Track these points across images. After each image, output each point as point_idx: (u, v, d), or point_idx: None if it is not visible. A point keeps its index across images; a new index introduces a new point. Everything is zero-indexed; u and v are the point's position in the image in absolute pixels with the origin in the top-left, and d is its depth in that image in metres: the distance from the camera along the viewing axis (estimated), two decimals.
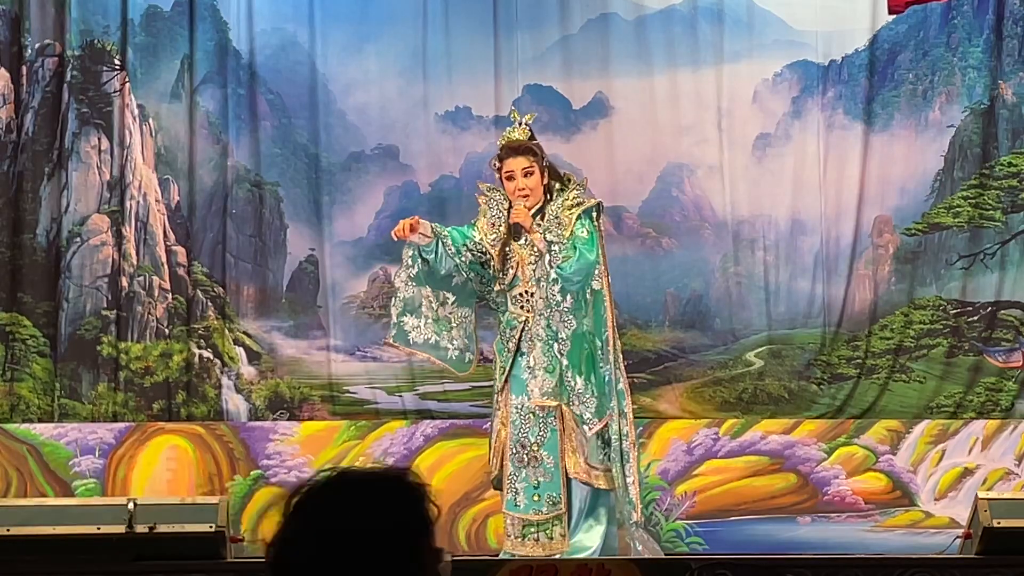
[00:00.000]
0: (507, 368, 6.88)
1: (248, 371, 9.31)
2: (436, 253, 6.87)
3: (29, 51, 9.34)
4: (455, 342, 7.03)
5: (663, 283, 9.45)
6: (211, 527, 6.16)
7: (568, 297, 6.77)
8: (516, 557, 6.74)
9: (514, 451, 6.82)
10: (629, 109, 9.47)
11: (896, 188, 9.46)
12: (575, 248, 6.80)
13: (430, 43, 9.46)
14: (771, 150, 9.49)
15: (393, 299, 7.12)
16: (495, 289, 6.99)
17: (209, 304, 9.33)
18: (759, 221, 9.44)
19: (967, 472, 9.04)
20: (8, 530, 6.10)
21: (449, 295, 7.00)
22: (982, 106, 9.45)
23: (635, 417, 9.10)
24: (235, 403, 9.27)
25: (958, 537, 6.82)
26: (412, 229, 6.83)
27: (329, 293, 9.38)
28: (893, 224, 9.45)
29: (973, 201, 9.40)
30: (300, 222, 9.42)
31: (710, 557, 7.29)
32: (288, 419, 9.18)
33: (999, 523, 6.33)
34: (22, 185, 9.31)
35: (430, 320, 7.01)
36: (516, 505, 6.82)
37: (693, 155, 9.48)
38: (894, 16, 9.19)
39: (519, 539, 6.79)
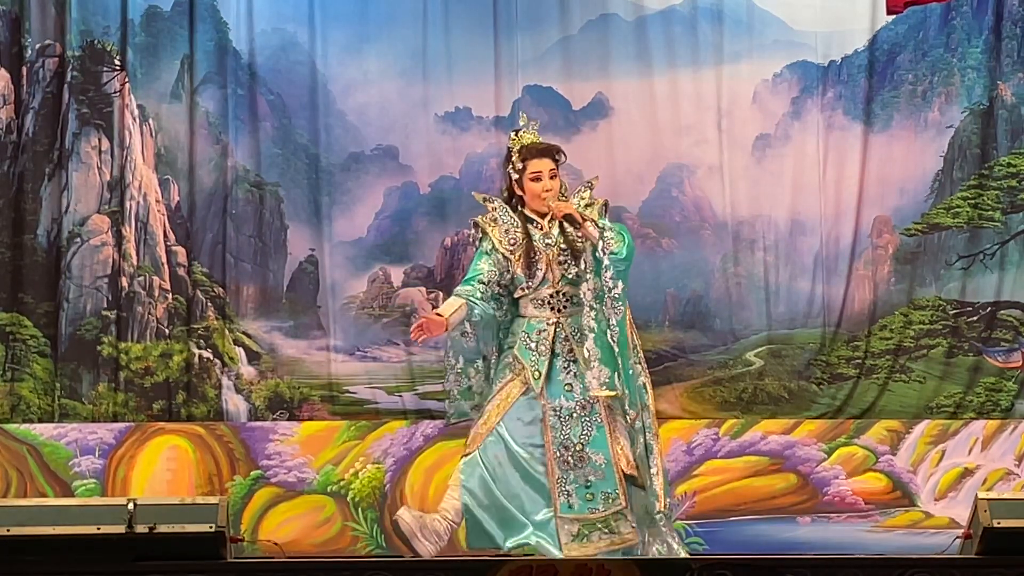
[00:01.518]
0: (543, 372, 6.81)
1: (248, 371, 9.31)
2: (476, 314, 6.82)
3: (29, 51, 9.35)
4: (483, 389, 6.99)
5: (663, 283, 9.46)
6: (211, 527, 6.16)
7: (620, 283, 6.73)
8: (583, 558, 6.60)
9: (558, 454, 6.75)
10: (629, 110, 9.48)
11: (895, 188, 9.47)
12: (620, 234, 6.80)
13: (430, 43, 9.47)
14: (771, 150, 9.50)
15: (450, 394, 7.01)
16: (515, 296, 6.95)
17: (209, 304, 9.34)
18: (759, 221, 9.45)
19: (967, 472, 9.05)
20: (8, 530, 6.09)
21: (479, 361, 6.98)
22: (981, 107, 9.46)
23: None
24: (235, 403, 9.28)
25: (958, 537, 6.81)
26: (430, 328, 6.73)
27: (329, 293, 9.38)
28: (892, 224, 9.46)
29: (972, 201, 9.41)
30: (300, 222, 9.43)
31: (710, 557, 7.29)
32: (288, 419, 9.19)
33: (999, 523, 6.33)
34: (22, 186, 9.32)
35: (476, 394, 6.98)
36: (570, 507, 6.74)
37: (693, 155, 9.49)
38: (893, 17, 9.20)
39: (577, 540, 6.68)
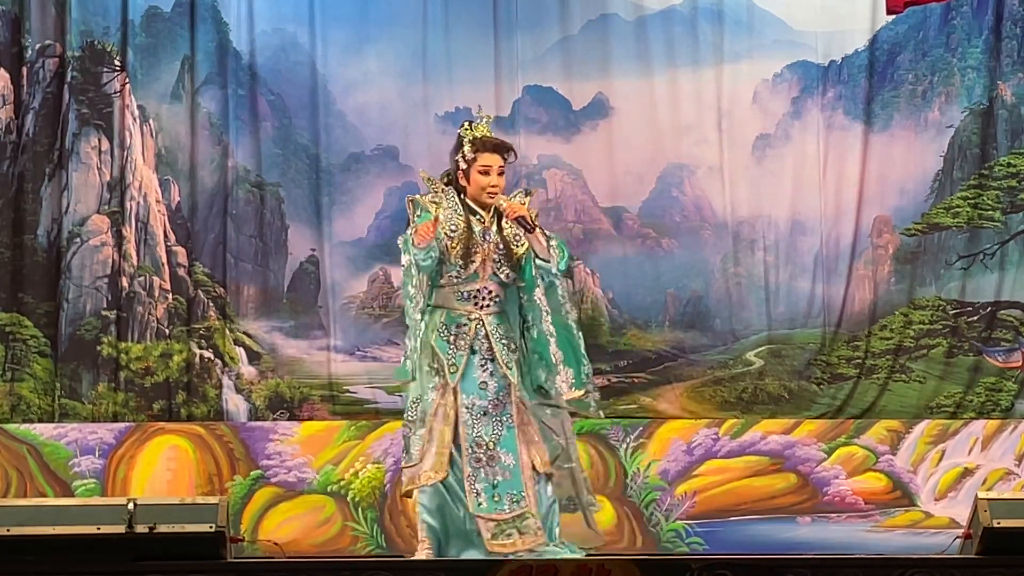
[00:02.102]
0: (459, 367, 6.71)
1: (248, 371, 9.32)
2: (431, 253, 6.69)
3: (29, 52, 9.36)
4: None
5: (663, 283, 9.46)
6: (211, 527, 6.15)
7: (557, 291, 6.73)
8: (503, 556, 6.59)
9: (471, 451, 6.66)
10: (629, 110, 9.48)
11: (895, 188, 9.47)
12: (559, 248, 6.76)
13: (430, 44, 9.47)
14: (771, 150, 9.50)
15: (408, 336, 6.87)
16: (440, 284, 6.78)
17: (210, 304, 9.34)
18: (759, 221, 9.46)
19: (967, 472, 9.05)
20: (8, 530, 6.09)
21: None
22: (981, 107, 9.46)
23: (635, 417, 9.17)
24: (235, 403, 9.28)
25: (958, 537, 6.81)
26: (428, 231, 6.66)
27: (329, 293, 9.39)
28: (892, 224, 9.47)
29: (972, 201, 9.41)
30: (301, 223, 9.43)
31: (710, 557, 7.28)
32: (288, 419, 9.20)
33: (999, 523, 6.32)
34: (23, 186, 9.33)
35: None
36: (480, 505, 6.63)
37: (693, 155, 9.49)
38: (893, 16, 9.21)
39: (494, 537, 6.62)
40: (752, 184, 9.48)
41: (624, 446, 9.05)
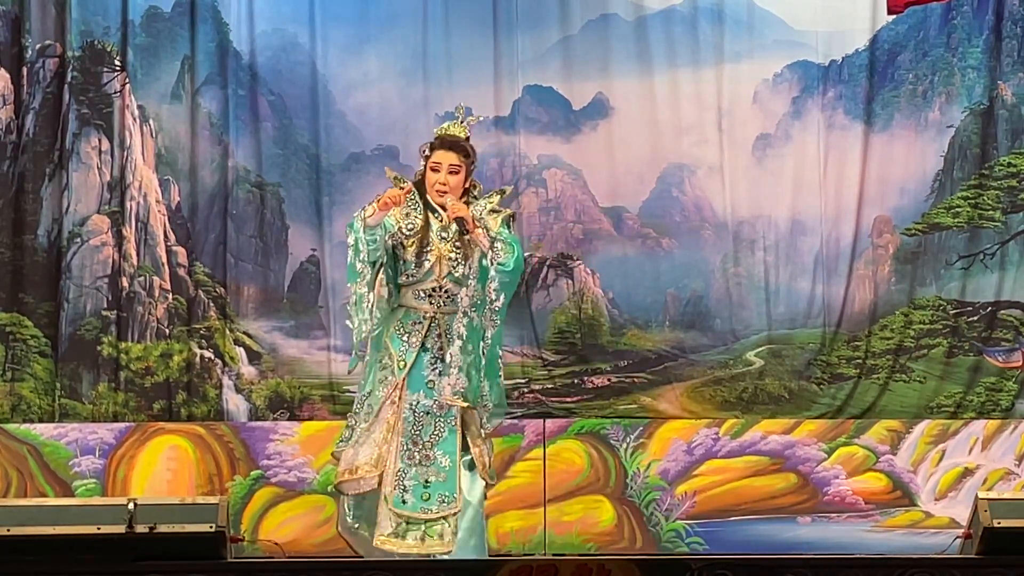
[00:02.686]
0: (408, 363, 6.75)
1: (248, 371, 9.32)
2: (379, 236, 6.71)
3: (30, 52, 9.36)
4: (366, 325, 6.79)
5: (663, 283, 9.46)
6: (211, 527, 6.16)
7: (502, 296, 6.69)
8: (390, 553, 6.61)
9: (404, 448, 6.69)
10: (629, 109, 9.48)
11: (896, 188, 9.47)
12: (511, 246, 6.74)
13: (430, 43, 9.47)
14: (771, 150, 9.50)
15: (353, 308, 6.84)
16: (398, 282, 6.83)
17: (210, 304, 9.34)
18: (759, 221, 9.46)
19: (967, 472, 9.05)
20: (8, 530, 6.10)
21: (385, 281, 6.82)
22: (981, 106, 9.46)
23: (635, 417, 9.18)
24: (235, 403, 9.28)
25: (958, 537, 6.82)
26: (393, 204, 6.69)
27: (330, 293, 9.39)
28: (893, 224, 9.47)
29: (973, 201, 9.41)
30: (301, 222, 9.44)
31: (710, 557, 7.29)
32: (288, 419, 9.20)
33: (999, 523, 6.33)
34: (23, 186, 9.33)
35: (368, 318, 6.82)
36: (403, 503, 6.65)
37: (693, 155, 9.49)
38: (894, 16, 9.21)
39: (398, 536, 6.64)
40: (752, 184, 9.47)
41: (624, 446, 9.05)
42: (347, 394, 9.27)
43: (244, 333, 9.37)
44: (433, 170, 6.85)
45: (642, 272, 9.47)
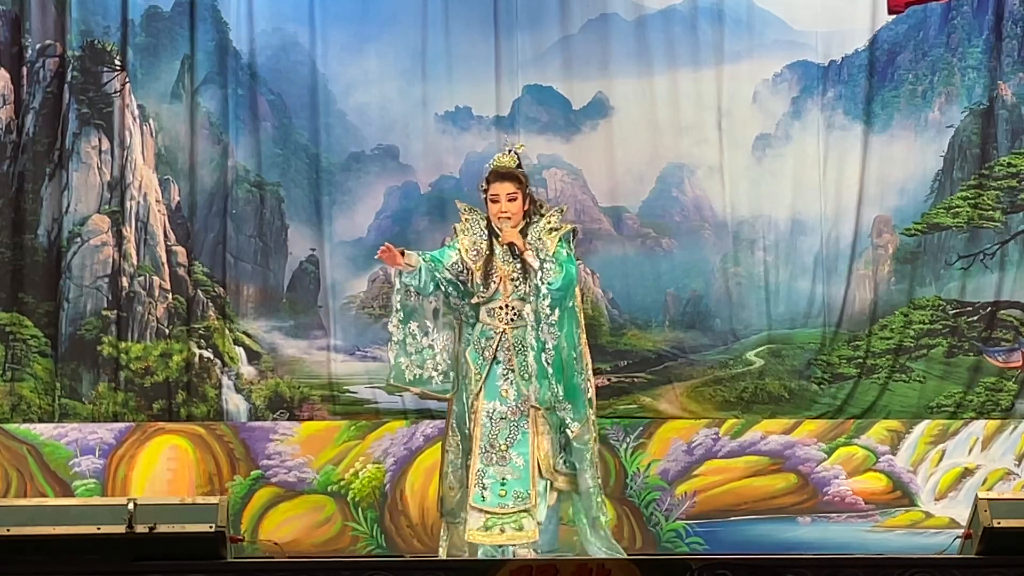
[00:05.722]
0: (483, 375, 7.32)
1: (248, 371, 9.32)
2: (421, 279, 7.30)
3: (30, 51, 9.36)
4: (439, 367, 7.44)
5: (663, 283, 9.46)
6: (211, 527, 6.17)
7: (556, 310, 7.18)
8: (483, 548, 7.15)
9: (483, 450, 7.26)
10: (629, 109, 9.48)
11: (896, 188, 9.47)
12: (561, 266, 7.23)
13: (430, 43, 9.47)
14: (771, 150, 9.50)
15: (389, 343, 7.50)
16: (471, 302, 7.40)
17: (209, 304, 9.34)
18: (759, 221, 9.46)
19: (967, 472, 9.05)
20: (8, 530, 6.10)
21: (429, 323, 7.44)
22: (981, 106, 9.46)
23: (635, 417, 9.18)
24: (235, 403, 9.28)
25: (958, 537, 6.82)
26: (392, 256, 7.29)
27: (329, 293, 9.39)
28: (893, 224, 9.47)
29: (972, 201, 9.41)
30: (300, 222, 9.44)
31: (710, 557, 7.30)
32: (288, 419, 9.20)
33: (999, 523, 6.34)
34: (23, 185, 9.33)
35: (415, 354, 7.42)
36: (483, 499, 7.21)
37: (693, 155, 9.49)
38: (894, 16, 9.21)
39: (484, 530, 7.16)
40: (752, 184, 9.48)
41: (624, 446, 9.05)
42: (347, 394, 9.27)
43: (244, 333, 9.37)
44: (493, 201, 7.39)
45: (642, 272, 9.47)
